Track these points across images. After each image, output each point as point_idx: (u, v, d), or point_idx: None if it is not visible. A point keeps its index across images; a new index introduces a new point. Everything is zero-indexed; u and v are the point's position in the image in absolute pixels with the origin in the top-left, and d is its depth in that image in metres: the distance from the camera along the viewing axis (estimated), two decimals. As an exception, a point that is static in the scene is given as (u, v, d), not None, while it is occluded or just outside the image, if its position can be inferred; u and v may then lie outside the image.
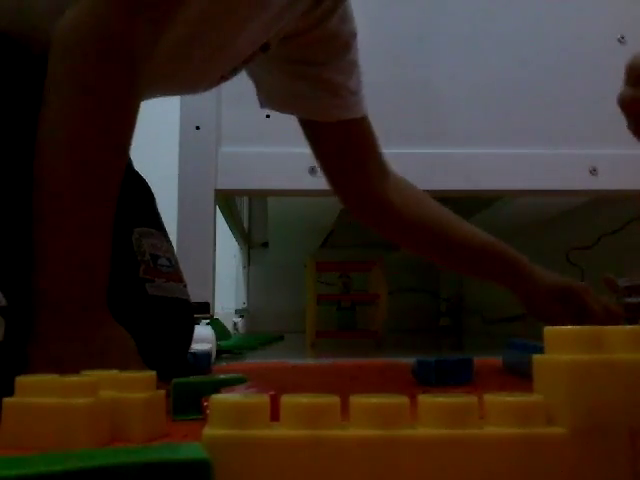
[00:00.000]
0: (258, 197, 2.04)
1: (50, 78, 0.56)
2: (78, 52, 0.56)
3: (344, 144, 0.89)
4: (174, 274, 0.76)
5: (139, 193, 0.77)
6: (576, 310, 0.87)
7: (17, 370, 0.46)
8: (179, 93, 0.92)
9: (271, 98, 0.90)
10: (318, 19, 0.81)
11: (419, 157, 1.19)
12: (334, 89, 0.86)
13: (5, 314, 0.54)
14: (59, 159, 0.55)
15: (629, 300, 0.82)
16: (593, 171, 1.19)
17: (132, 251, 0.71)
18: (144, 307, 0.71)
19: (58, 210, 0.55)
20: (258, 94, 0.91)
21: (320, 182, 1.17)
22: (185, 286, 0.79)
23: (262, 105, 0.92)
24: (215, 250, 1.19)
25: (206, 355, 0.89)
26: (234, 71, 0.82)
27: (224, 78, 0.82)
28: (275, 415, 0.30)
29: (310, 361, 1.23)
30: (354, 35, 0.87)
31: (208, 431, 0.29)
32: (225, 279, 2.44)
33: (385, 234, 0.97)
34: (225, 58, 0.76)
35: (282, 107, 0.90)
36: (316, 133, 0.89)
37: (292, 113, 0.90)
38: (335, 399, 0.30)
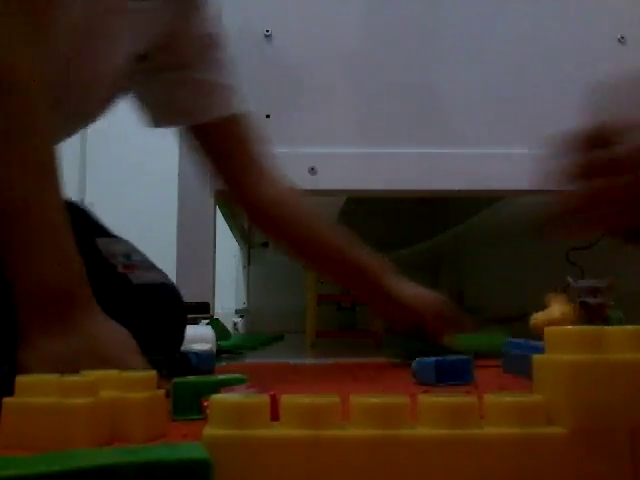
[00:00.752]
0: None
1: None
2: None
3: (222, 141, 0.90)
4: (152, 266, 0.82)
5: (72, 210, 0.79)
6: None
7: (10, 373, 0.46)
8: (73, 127, 0.88)
9: (158, 116, 0.90)
10: (183, 21, 0.83)
11: (419, 157, 1.19)
12: (210, 88, 0.88)
13: None
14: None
15: (589, 301, 0.82)
16: (593, 171, 1.19)
17: (102, 257, 0.77)
18: (133, 297, 0.75)
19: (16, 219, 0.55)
20: (145, 116, 0.92)
21: (320, 182, 1.18)
22: (166, 275, 0.84)
23: (153, 125, 0.92)
24: (215, 250, 1.19)
25: (209, 355, 0.89)
26: (122, 90, 0.83)
27: (114, 98, 0.83)
28: (275, 415, 0.30)
29: (310, 361, 1.23)
30: (220, 33, 0.90)
31: (208, 431, 0.29)
32: (225, 279, 2.44)
33: (261, 230, 1.00)
34: (103, 74, 0.76)
35: (170, 122, 0.91)
36: (200, 135, 0.90)
37: (180, 124, 0.91)
38: (335, 399, 0.30)
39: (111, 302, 0.59)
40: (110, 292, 0.65)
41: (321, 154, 1.18)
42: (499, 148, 1.20)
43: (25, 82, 0.58)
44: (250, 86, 1.23)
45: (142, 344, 0.58)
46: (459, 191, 1.22)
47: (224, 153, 0.90)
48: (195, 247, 1.16)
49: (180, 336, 0.84)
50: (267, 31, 1.21)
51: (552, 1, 1.26)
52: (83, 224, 0.77)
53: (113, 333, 0.57)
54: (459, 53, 1.23)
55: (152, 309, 0.78)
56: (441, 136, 1.21)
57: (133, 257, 0.82)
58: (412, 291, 0.96)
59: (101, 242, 0.81)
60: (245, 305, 2.62)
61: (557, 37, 1.24)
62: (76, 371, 0.43)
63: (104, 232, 0.86)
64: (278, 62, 1.21)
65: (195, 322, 1.10)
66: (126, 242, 0.85)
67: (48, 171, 0.58)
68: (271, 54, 1.21)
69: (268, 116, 1.19)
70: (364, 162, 1.19)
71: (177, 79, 0.86)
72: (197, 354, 0.86)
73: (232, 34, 1.22)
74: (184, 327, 0.84)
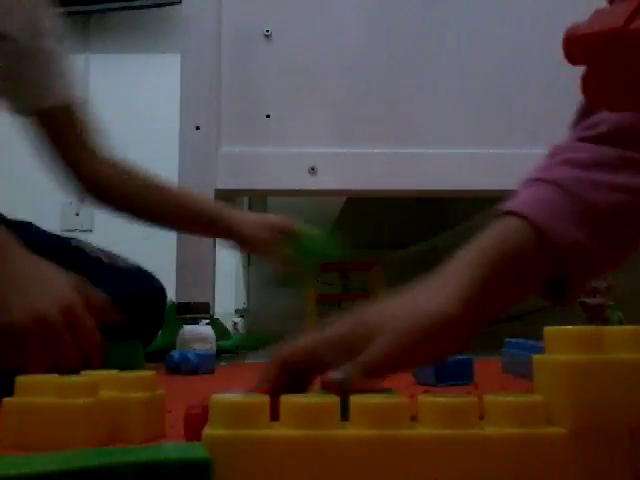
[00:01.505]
0: (258, 197, 2.04)
1: None
2: None
3: (55, 130, 0.93)
4: (120, 256, 0.96)
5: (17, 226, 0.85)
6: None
7: None
8: None
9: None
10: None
11: (419, 157, 1.19)
12: (32, 81, 0.90)
13: None
14: None
15: (588, 301, 0.82)
16: (593, 171, 1.19)
17: (85, 252, 0.92)
18: (125, 279, 0.90)
19: None
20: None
21: (320, 182, 1.18)
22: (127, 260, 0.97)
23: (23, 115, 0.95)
24: (215, 250, 1.19)
25: (209, 355, 0.89)
26: None
27: None
28: (275, 415, 0.30)
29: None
30: (42, 25, 0.90)
31: (208, 431, 0.29)
32: (225, 279, 2.44)
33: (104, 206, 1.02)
34: None
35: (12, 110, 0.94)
36: (36, 123, 0.93)
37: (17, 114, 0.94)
38: (335, 399, 0.30)
39: (106, 288, 0.64)
40: (104, 279, 0.70)
41: (321, 154, 1.18)
42: (499, 148, 1.20)
43: None
44: (250, 86, 1.23)
45: (135, 320, 0.62)
46: (459, 191, 1.22)
47: (59, 140, 0.94)
48: (195, 247, 1.16)
49: (163, 307, 0.96)
50: (267, 31, 1.21)
51: (552, 1, 1.26)
52: (40, 234, 0.92)
53: (49, 267, 0.63)
54: (459, 53, 1.23)
55: (142, 287, 0.92)
56: (441, 136, 1.21)
57: (105, 250, 0.96)
58: (251, 219, 1.00)
59: (75, 242, 0.95)
60: (245, 305, 2.62)
61: (557, 37, 1.24)
62: (25, 295, 0.47)
63: (65, 237, 0.99)
64: (278, 62, 1.21)
65: (195, 322, 1.10)
66: (89, 243, 0.98)
67: None
68: (271, 54, 1.21)
69: (268, 116, 1.19)
70: (364, 162, 1.19)
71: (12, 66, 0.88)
72: (197, 354, 0.86)
73: (232, 34, 1.22)
74: (165, 299, 0.97)
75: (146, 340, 0.90)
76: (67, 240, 0.96)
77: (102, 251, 0.95)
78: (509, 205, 0.46)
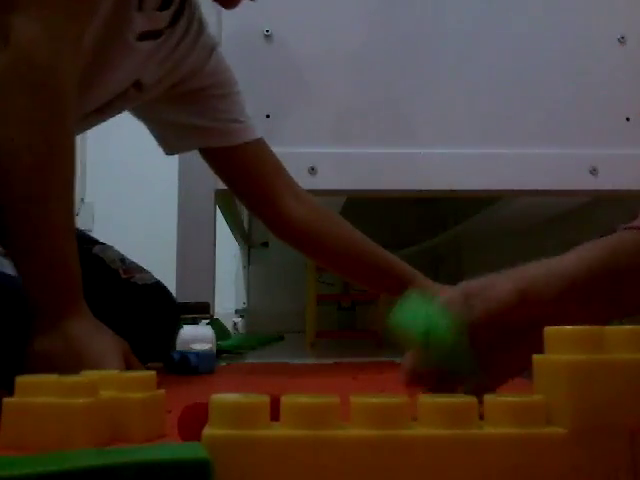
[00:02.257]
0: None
1: None
2: (11, 91, 0.61)
3: (245, 167, 0.94)
4: (141, 267, 0.94)
5: None
6: None
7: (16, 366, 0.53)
8: None
9: (173, 143, 0.96)
10: (197, 63, 0.89)
11: (419, 157, 1.19)
12: (224, 117, 0.92)
13: None
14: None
15: None
16: (593, 171, 1.19)
17: (105, 264, 0.89)
18: (140, 297, 0.88)
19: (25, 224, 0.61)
20: (161, 144, 0.97)
21: (320, 182, 1.18)
22: (147, 271, 0.95)
23: (167, 153, 0.98)
24: (215, 250, 1.19)
25: (209, 355, 0.89)
26: (111, 108, 0.86)
27: (101, 113, 0.86)
28: (275, 415, 0.30)
29: (310, 361, 1.23)
30: (229, 69, 0.95)
31: (208, 431, 0.29)
32: (225, 279, 2.44)
33: (302, 251, 1.01)
34: (95, 90, 0.80)
35: (185, 146, 0.97)
36: (219, 161, 0.95)
37: (194, 148, 0.96)
38: (335, 399, 0.30)
39: (121, 303, 0.63)
40: (119, 297, 0.70)
41: (321, 154, 1.18)
42: (498, 148, 1.20)
43: (64, 87, 0.62)
44: (250, 86, 1.23)
45: (147, 336, 0.62)
46: (459, 191, 1.22)
47: (250, 177, 0.93)
48: (195, 247, 1.16)
49: (173, 328, 0.93)
50: (267, 31, 1.21)
51: (552, 1, 1.26)
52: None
53: (97, 335, 0.62)
54: (459, 53, 1.23)
55: (156, 306, 0.90)
56: (441, 136, 1.21)
57: (126, 261, 0.93)
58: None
59: (97, 249, 0.92)
60: (245, 305, 2.62)
61: (557, 37, 1.24)
62: (54, 369, 0.45)
63: (92, 239, 0.96)
64: (278, 62, 1.21)
65: (195, 322, 1.10)
66: (110, 247, 0.95)
67: (67, 192, 0.63)
68: (271, 54, 1.21)
69: (268, 116, 1.19)
70: (364, 162, 1.19)
71: (198, 109, 0.91)
72: (197, 354, 0.86)
73: (232, 34, 1.22)
74: (177, 320, 0.94)
75: (155, 355, 0.88)
76: (89, 246, 0.92)
77: (123, 261, 0.92)
78: (624, 225, 0.46)
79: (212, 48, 0.92)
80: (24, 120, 0.60)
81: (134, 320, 0.67)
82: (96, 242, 0.95)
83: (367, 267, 0.96)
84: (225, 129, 0.92)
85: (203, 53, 0.90)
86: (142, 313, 0.87)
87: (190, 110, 0.91)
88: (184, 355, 0.86)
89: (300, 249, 0.99)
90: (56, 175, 0.62)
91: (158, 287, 0.93)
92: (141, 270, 0.93)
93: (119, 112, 0.89)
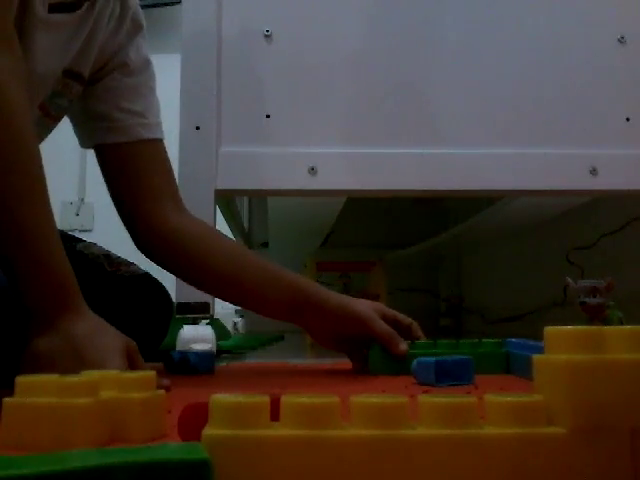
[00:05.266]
0: (258, 197, 2.04)
1: None
2: None
3: (136, 166, 0.86)
4: (127, 261, 0.91)
5: None
6: (363, 340, 0.83)
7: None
8: None
9: (85, 135, 0.91)
10: (117, 48, 0.85)
11: (418, 157, 1.19)
12: (132, 108, 0.86)
13: None
14: None
15: (588, 301, 0.82)
16: (593, 171, 1.19)
17: (88, 259, 0.88)
18: (128, 288, 0.86)
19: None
20: (77, 134, 0.93)
21: (320, 182, 1.18)
22: (134, 264, 0.93)
23: (82, 145, 0.93)
24: (215, 250, 1.18)
25: (209, 355, 0.89)
26: (54, 105, 0.83)
27: (45, 112, 0.83)
28: (275, 415, 0.30)
29: (310, 361, 1.23)
30: (147, 62, 0.89)
31: (208, 431, 0.29)
32: (225, 279, 2.44)
33: (169, 267, 0.88)
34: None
35: (90, 139, 0.90)
36: (107, 157, 0.88)
37: (96, 142, 0.89)
38: (335, 399, 0.30)
39: (108, 297, 0.63)
40: (105, 288, 0.69)
41: (321, 154, 1.18)
42: (498, 148, 1.20)
43: (10, 101, 0.61)
44: (250, 86, 1.23)
45: (139, 329, 0.62)
46: (459, 191, 1.22)
47: (133, 178, 0.86)
48: (195, 247, 1.16)
49: (168, 319, 0.92)
50: (267, 31, 1.21)
51: (552, 1, 1.26)
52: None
53: (98, 334, 0.61)
54: (458, 53, 1.23)
55: (146, 296, 0.88)
56: (441, 136, 1.21)
57: (112, 256, 0.91)
58: (348, 300, 0.88)
59: (80, 246, 0.91)
60: (245, 305, 2.62)
61: (557, 37, 1.24)
62: (54, 369, 0.45)
63: (75, 238, 0.94)
64: (278, 62, 1.21)
65: (195, 322, 1.10)
66: (96, 244, 0.93)
67: (39, 192, 0.63)
68: (271, 54, 1.21)
69: (268, 116, 1.19)
70: (364, 162, 1.19)
71: (97, 97, 0.86)
72: (197, 354, 0.87)
73: (232, 34, 1.22)
74: (171, 311, 0.93)
75: (150, 349, 0.85)
76: (72, 243, 0.90)
77: (108, 257, 0.90)
78: None
79: (137, 30, 0.87)
80: None
81: (124, 313, 0.66)
82: (79, 240, 0.93)
83: (256, 282, 0.84)
84: (128, 123, 0.85)
85: (126, 35, 0.85)
86: (132, 305, 0.85)
87: (101, 97, 0.86)
88: (184, 355, 0.86)
89: (177, 266, 0.87)
90: (23, 179, 0.61)
91: (147, 278, 0.90)
92: (128, 263, 0.91)
93: (66, 112, 0.86)
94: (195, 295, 1.12)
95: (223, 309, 2.25)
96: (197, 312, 1.11)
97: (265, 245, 2.58)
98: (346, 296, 0.89)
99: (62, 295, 0.61)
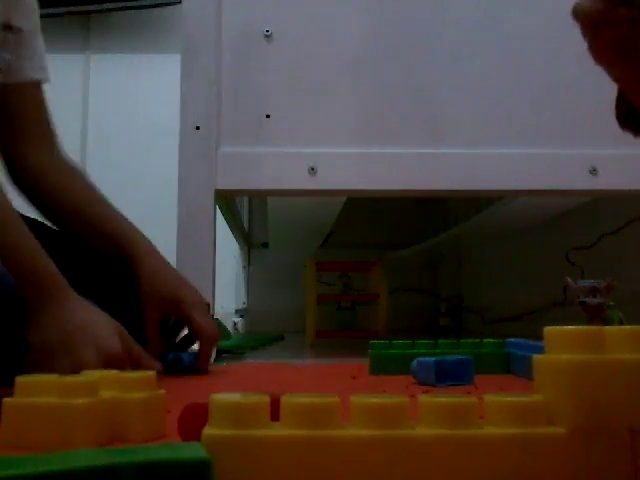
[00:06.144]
0: (258, 197, 2.04)
1: None
2: None
3: (8, 108, 0.89)
4: None
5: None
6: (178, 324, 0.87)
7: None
8: None
9: None
10: None
11: (419, 157, 1.19)
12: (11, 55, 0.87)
13: None
14: None
15: (588, 300, 0.82)
16: (593, 171, 1.19)
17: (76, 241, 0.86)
18: (112, 268, 0.85)
19: None
20: None
21: (320, 182, 1.18)
22: None
23: None
24: (215, 250, 1.19)
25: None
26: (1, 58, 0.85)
27: None
28: (275, 415, 0.30)
29: (310, 361, 1.23)
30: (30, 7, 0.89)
31: (208, 431, 0.29)
32: (225, 279, 2.44)
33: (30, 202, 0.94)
34: None
35: None
36: None
37: None
38: (335, 399, 0.30)
39: (94, 277, 0.65)
40: (91, 268, 0.72)
41: (321, 154, 1.18)
42: (499, 148, 1.20)
43: None
44: (250, 86, 1.23)
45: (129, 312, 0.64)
46: (459, 191, 1.22)
47: (7, 116, 0.89)
48: (195, 247, 1.16)
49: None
50: (267, 31, 1.21)
51: (552, 1, 1.26)
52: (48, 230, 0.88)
53: (90, 321, 0.63)
54: (458, 52, 1.23)
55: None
56: (441, 136, 1.21)
57: None
58: (170, 289, 0.87)
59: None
60: (245, 305, 2.62)
61: (557, 37, 1.24)
62: (53, 358, 0.46)
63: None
64: (278, 62, 1.21)
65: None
66: None
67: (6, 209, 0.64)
68: (271, 54, 1.21)
69: (268, 116, 1.19)
70: (364, 162, 1.19)
71: None
72: (190, 354, 0.86)
73: (232, 34, 1.22)
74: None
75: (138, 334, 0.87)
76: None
77: None
78: None
79: None
80: None
81: (112, 295, 0.68)
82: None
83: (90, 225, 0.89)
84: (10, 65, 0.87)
85: None
86: (118, 285, 0.85)
87: None
88: (177, 355, 0.86)
89: (32, 199, 0.93)
90: None
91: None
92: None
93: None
94: (195, 295, 1.12)
95: (223, 309, 2.25)
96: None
97: (265, 245, 2.58)
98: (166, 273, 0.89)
99: (46, 285, 0.62)
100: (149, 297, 0.84)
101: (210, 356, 0.86)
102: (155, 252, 0.89)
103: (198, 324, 0.84)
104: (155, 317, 0.84)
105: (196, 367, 0.84)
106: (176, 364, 0.85)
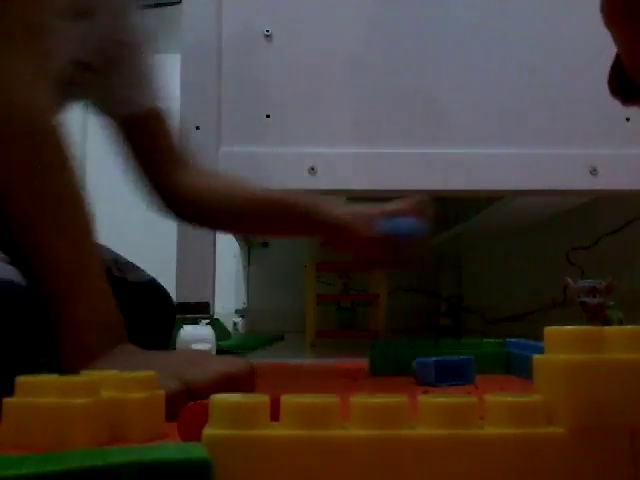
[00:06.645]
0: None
1: None
2: None
3: (146, 135, 0.90)
4: (133, 265, 0.92)
5: None
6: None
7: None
8: None
9: (95, 109, 0.92)
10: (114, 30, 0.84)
11: (419, 157, 1.19)
12: (131, 82, 0.88)
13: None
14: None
15: (588, 300, 0.82)
16: (593, 171, 1.19)
17: None
18: (133, 295, 0.85)
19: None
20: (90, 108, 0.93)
21: (320, 182, 1.18)
22: (141, 269, 0.93)
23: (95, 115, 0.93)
24: (215, 250, 1.19)
25: None
26: (69, 96, 0.83)
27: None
28: (275, 415, 0.30)
29: (310, 361, 1.23)
30: (146, 38, 0.92)
31: (208, 431, 0.29)
32: (225, 279, 2.44)
33: (187, 220, 0.98)
34: None
35: (104, 113, 0.91)
36: (124, 130, 0.90)
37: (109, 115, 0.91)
38: (335, 399, 0.30)
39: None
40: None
41: (321, 154, 1.18)
42: (499, 148, 1.20)
43: (43, 121, 0.60)
44: (250, 86, 1.23)
45: (142, 337, 0.61)
46: (459, 191, 1.22)
47: (148, 147, 0.90)
48: (195, 247, 1.16)
49: (171, 325, 0.93)
50: (267, 31, 1.21)
51: (551, 1, 1.26)
52: None
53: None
54: (459, 53, 1.23)
55: (151, 304, 0.88)
56: (441, 136, 1.21)
57: (120, 260, 0.91)
58: (352, 209, 0.87)
59: None
60: (245, 305, 2.62)
61: (557, 36, 1.24)
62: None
63: None
64: (278, 62, 1.21)
65: (195, 322, 1.10)
66: (106, 247, 0.91)
67: (79, 215, 0.62)
68: (271, 54, 1.21)
69: (268, 116, 1.19)
70: (364, 162, 1.19)
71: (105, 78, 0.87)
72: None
73: (232, 34, 1.22)
74: (174, 318, 0.94)
75: None
76: None
77: (116, 261, 0.90)
78: None
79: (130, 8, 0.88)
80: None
81: (128, 319, 0.65)
82: None
83: (269, 212, 0.90)
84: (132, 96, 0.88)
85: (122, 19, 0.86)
86: (136, 311, 0.85)
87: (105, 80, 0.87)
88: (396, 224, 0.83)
89: (198, 220, 0.96)
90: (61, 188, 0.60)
91: (152, 285, 0.91)
92: (135, 268, 0.92)
93: (75, 101, 0.87)
94: (195, 295, 1.12)
95: (223, 309, 2.25)
96: (197, 312, 1.11)
97: (265, 245, 2.59)
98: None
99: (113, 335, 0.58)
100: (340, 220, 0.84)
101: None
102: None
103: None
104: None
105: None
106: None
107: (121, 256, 0.92)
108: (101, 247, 0.89)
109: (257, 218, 0.92)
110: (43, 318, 0.58)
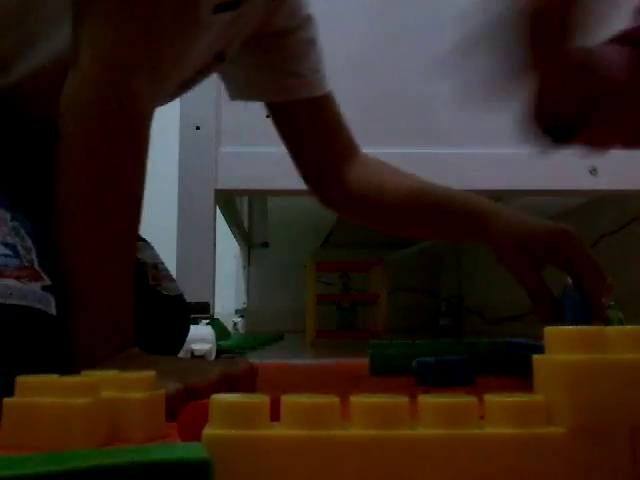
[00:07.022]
0: (258, 197, 2.04)
1: (60, 146, 0.59)
2: (85, 121, 0.59)
3: (308, 124, 0.90)
4: (169, 275, 0.88)
5: None
6: (556, 261, 0.79)
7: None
8: None
9: (238, 89, 0.91)
10: (272, 13, 0.83)
11: (419, 157, 1.19)
12: (293, 69, 0.87)
13: (51, 292, 0.56)
14: (81, 226, 0.58)
15: None
16: (593, 171, 1.19)
17: (139, 264, 0.81)
18: (160, 306, 0.83)
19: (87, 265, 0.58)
20: (226, 87, 0.92)
21: (320, 182, 1.18)
22: (174, 281, 0.90)
23: (232, 98, 0.93)
24: (215, 250, 1.19)
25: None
26: (191, 82, 0.83)
27: (180, 89, 0.83)
28: (275, 415, 0.30)
29: (310, 361, 1.23)
30: (308, 16, 0.88)
31: (208, 431, 0.29)
32: (225, 279, 2.44)
33: (356, 217, 0.95)
34: (177, 72, 0.76)
35: (249, 95, 0.91)
36: (281, 116, 0.91)
37: (258, 99, 0.91)
38: (335, 399, 0.30)
39: (141, 310, 0.62)
40: (142, 303, 0.68)
41: (321, 154, 1.18)
42: (499, 148, 1.20)
43: (143, 118, 0.61)
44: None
45: (157, 348, 0.61)
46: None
47: (309, 135, 0.89)
48: (195, 247, 1.16)
49: (183, 342, 0.90)
50: (267, 31, 1.21)
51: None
52: None
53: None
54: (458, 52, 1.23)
55: (173, 319, 0.85)
56: (441, 136, 1.21)
57: (159, 267, 0.87)
58: (534, 226, 0.81)
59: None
60: (245, 305, 2.62)
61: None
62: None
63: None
64: (278, 62, 1.21)
65: (195, 322, 1.10)
66: (150, 247, 0.89)
67: (132, 222, 0.61)
68: (271, 54, 1.21)
69: (268, 116, 1.19)
70: (364, 162, 1.19)
71: (258, 61, 0.86)
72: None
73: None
74: (186, 334, 0.90)
75: None
76: None
77: (155, 267, 0.87)
78: None
79: None
80: (95, 152, 0.59)
81: (145, 327, 0.64)
82: (140, 238, 0.88)
83: (440, 213, 0.86)
84: (308, 79, 0.87)
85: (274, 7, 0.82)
86: (155, 322, 0.81)
87: (269, 58, 0.85)
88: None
89: (365, 217, 0.93)
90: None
91: (178, 300, 0.89)
92: (170, 279, 0.89)
93: (200, 82, 0.86)
94: (195, 295, 1.12)
95: (223, 309, 2.25)
96: (197, 312, 1.11)
97: (265, 245, 2.59)
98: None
99: (124, 339, 0.58)
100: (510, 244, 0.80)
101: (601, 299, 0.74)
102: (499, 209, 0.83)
103: (577, 258, 0.75)
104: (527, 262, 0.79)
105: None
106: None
107: (162, 263, 0.89)
108: (146, 249, 0.87)
109: (432, 227, 0.89)
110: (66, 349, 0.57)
